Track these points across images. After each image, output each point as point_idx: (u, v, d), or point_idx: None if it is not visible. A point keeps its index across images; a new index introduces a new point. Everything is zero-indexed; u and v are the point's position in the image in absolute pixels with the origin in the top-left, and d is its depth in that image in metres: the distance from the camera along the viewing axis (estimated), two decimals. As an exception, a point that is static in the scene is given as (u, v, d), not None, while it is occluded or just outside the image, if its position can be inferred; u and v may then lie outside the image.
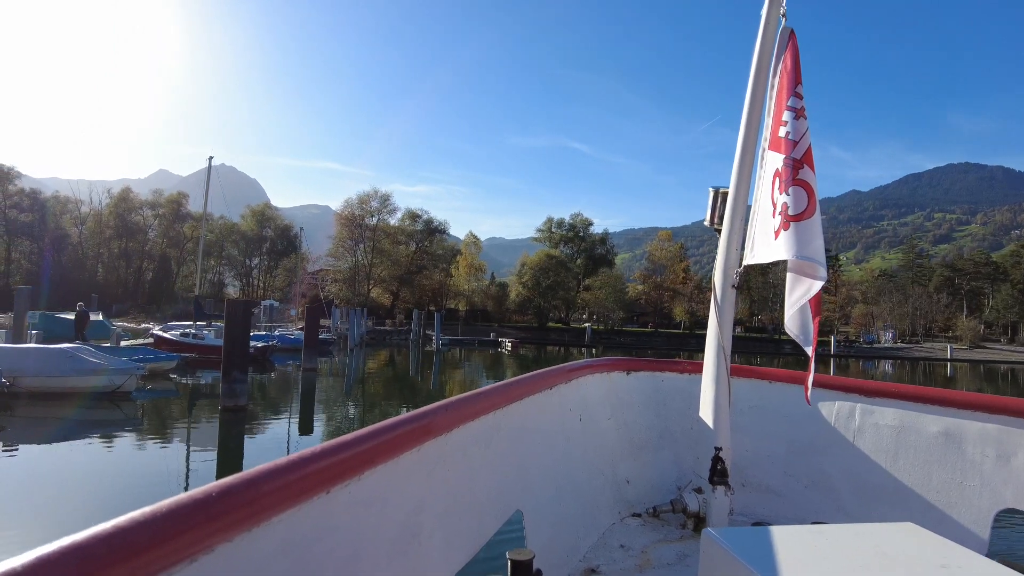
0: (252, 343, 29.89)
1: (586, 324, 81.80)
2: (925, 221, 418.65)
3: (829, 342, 75.92)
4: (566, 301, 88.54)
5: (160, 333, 29.60)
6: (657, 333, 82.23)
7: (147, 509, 0.99)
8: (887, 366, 57.86)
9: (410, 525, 1.83)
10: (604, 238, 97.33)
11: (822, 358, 61.31)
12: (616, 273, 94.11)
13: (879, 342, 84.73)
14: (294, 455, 1.35)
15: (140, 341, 29.00)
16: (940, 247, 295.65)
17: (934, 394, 3.39)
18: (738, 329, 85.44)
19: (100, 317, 31.55)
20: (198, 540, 1.04)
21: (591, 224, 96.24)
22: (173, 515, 1.01)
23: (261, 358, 28.95)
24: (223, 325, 32.02)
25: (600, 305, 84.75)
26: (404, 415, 1.84)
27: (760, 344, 75.47)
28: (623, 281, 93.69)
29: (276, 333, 38.14)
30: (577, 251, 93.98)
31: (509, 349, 52.22)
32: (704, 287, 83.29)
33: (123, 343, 26.55)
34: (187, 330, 30.01)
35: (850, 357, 65.39)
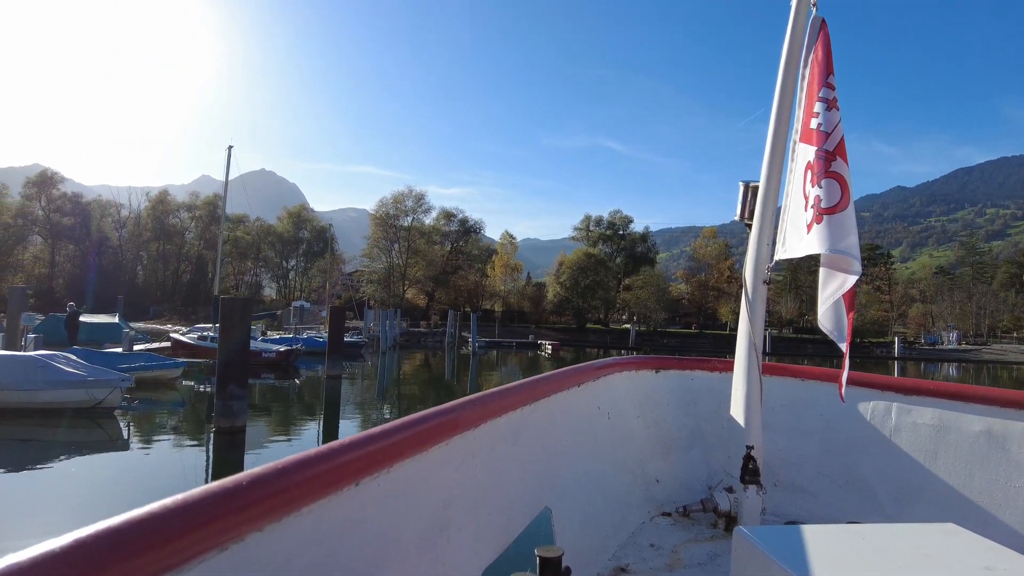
0: (275, 347, 28.14)
1: (627, 325, 79.13)
2: (976, 217, 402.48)
3: (892, 343, 71.65)
4: (606, 301, 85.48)
5: (177, 336, 27.79)
6: (702, 334, 78.58)
7: (179, 497, 1.00)
8: (952, 369, 53.36)
9: (439, 519, 1.82)
10: (645, 236, 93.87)
11: (883, 360, 57.45)
12: (658, 272, 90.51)
13: (942, 343, 79.24)
14: (323, 446, 1.36)
15: (156, 345, 27.23)
16: (993, 243, 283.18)
17: (975, 392, 3.24)
18: (787, 330, 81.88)
19: (116, 319, 29.88)
20: (229, 528, 1.05)
21: (631, 221, 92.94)
22: (205, 503, 1.02)
23: (284, 363, 26.86)
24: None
25: (642, 306, 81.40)
26: (432, 409, 1.82)
27: (813, 345, 70.83)
28: (665, 280, 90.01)
29: (304, 335, 36.19)
30: (616, 250, 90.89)
31: (549, 352, 49.55)
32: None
33: (137, 347, 24.76)
34: (205, 333, 28.03)
35: (908, 360, 60.61)
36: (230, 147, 31.07)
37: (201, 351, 25.15)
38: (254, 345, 27.99)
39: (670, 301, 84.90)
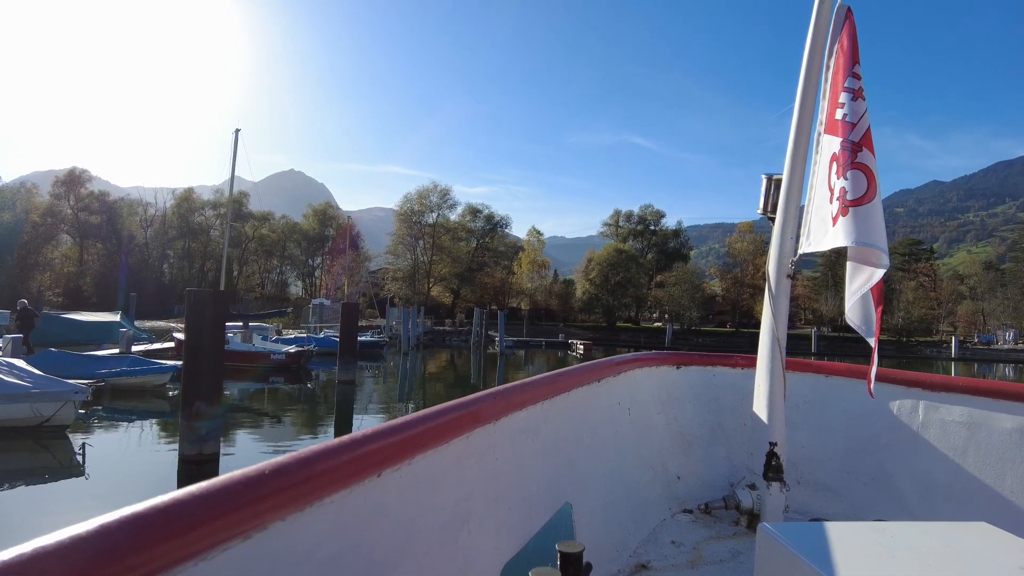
0: (285, 348, 26.04)
1: (658, 323, 76.25)
2: (1018, 211, 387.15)
3: (941, 343, 67.68)
4: (637, 299, 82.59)
5: (180, 336, 25.76)
6: (738, 333, 75.04)
7: (203, 484, 1.01)
8: (1008, 370, 49.71)
9: (460, 512, 1.83)
10: (678, 231, 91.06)
11: (930, 361, 54.00)
12: (692, 268, 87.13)
13: (997, 343, 74.56)
14: (346, 436, 1.37)
15: (159, 345, 25.32)
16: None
17: (1007, 389, 3.17)
18: (826, 328, 78.06)
19: (117, 318, 28.06)
20: (253, 517, 1.06)
21: (662, 216, 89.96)
22: (229, 491, 1.03)
23: (295, 366, 24.66)
24: (247, 325, 28.22)
25: (675, 303, 78.19)
26: (453, 401, 1.82)
27: (858, 345, 66.48)
28: (699, 277, 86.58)
29: (320, 335, 34.03)
30: (647, 245, 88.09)
31: (581, 352, 46.77)
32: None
33: (136, 347, 22.85)
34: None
35: (961, 360, 56.62)
36: (237, 130, 29.20)
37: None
38: (262, 346, 25.96)
39: (704, 299, 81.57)
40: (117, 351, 20.87)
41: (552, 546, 1.72)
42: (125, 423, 13.75)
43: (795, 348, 56.54)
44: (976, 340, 75.48)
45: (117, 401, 14.87)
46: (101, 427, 12.99)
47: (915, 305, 76.49)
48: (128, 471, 10.36)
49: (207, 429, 9.13)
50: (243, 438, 13.48)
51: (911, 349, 66.40)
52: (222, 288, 29.66)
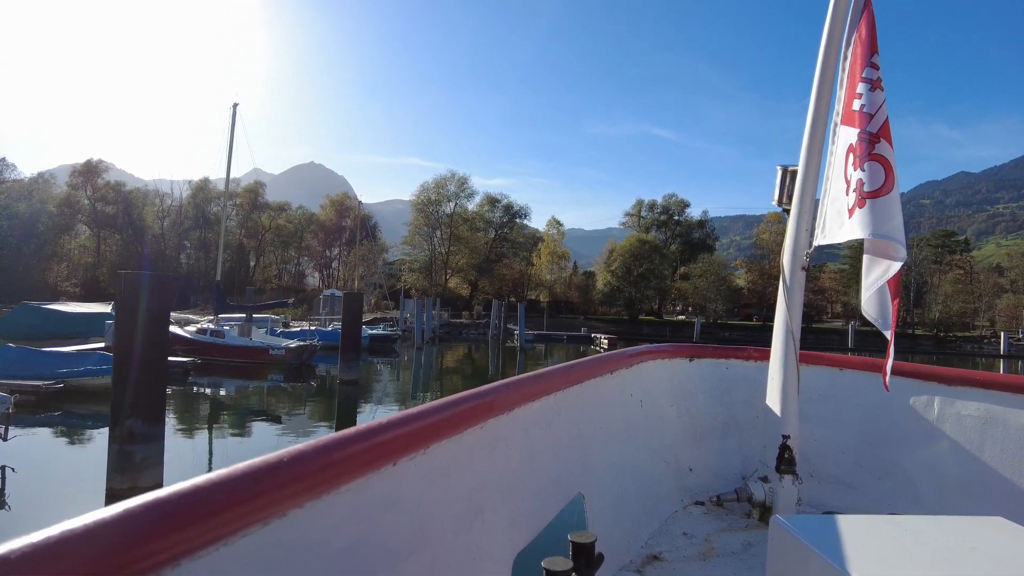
0: (286, 342, 24.06)
1: (681, 317, 73.43)
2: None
3: (981, 339, 64.39)
4: (660, 291, 79.71)
5: (174, 330, 23.92)
6: (766, 327, 71.86)
7: (223, 471, 1.03)
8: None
9: (474, 501, 1.84)
10: (703, 222, 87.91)
11: (969, 357, 50.95)
12: (719, 259, 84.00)
13: (1040, 338, 70.76)
14: (362, 425, 1.39)
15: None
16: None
17: (1023, 383, 3.12)
18: (855, 322, 74.78)
19: (108, 308, 26.33)
20: (272, 504, 1.08)
21: (687, 206, 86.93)
22: (249, 478, 1.05)
23: (297, 362, 22.58)
24: (251, 317, 26.25)
25: (700, 296, 75.29)
26: (466, 392, 1.83)
27: (897, 340, 62.52)
28: (726, 269, 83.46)
29: (329, 328, 31.95)
30: (671, 236, 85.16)
31: (605, 346, 44.37)
32: (813, 276, 72.31)
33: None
34: (205, 325, 24.06)
35: (1006, 358, 53.32)
36: (235, 105, 27.31)
37: (198, 347, 21.17)
38: (261, 340, 24.00)
39: (730, 291, 78.53)
40: (103, 345, 19.04)
41: (564, 536, 1.70)
42: (72, 437, 11.71)
43: (827, 343, 53.70)
44: (1020, 335, 71.94)
45: (75, 406, 12.94)
46: (37, 443, 10.95)
47: (953, 299, 72.94)
48: (64, 501, 8.30)
49: (143, 454, 7.01)
50: (221, 450, 11.45)
51: (950, 345, 63.08)
52: (219, 277, 27.67)
